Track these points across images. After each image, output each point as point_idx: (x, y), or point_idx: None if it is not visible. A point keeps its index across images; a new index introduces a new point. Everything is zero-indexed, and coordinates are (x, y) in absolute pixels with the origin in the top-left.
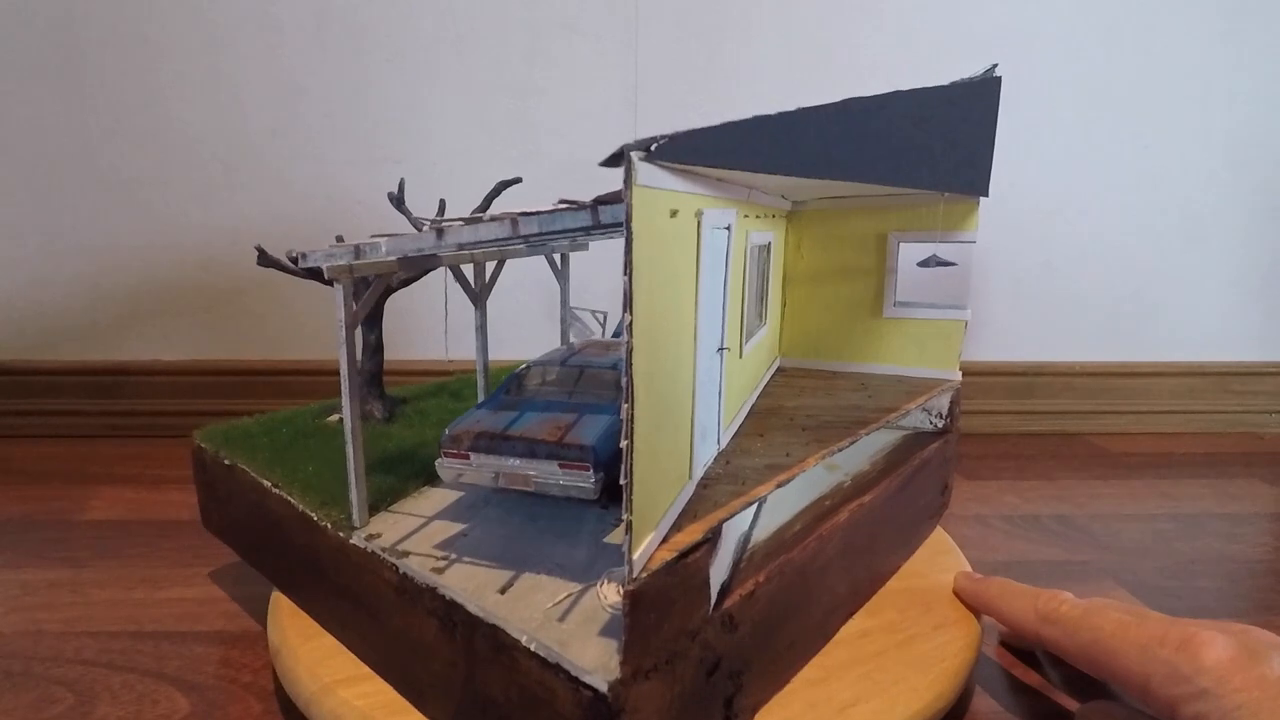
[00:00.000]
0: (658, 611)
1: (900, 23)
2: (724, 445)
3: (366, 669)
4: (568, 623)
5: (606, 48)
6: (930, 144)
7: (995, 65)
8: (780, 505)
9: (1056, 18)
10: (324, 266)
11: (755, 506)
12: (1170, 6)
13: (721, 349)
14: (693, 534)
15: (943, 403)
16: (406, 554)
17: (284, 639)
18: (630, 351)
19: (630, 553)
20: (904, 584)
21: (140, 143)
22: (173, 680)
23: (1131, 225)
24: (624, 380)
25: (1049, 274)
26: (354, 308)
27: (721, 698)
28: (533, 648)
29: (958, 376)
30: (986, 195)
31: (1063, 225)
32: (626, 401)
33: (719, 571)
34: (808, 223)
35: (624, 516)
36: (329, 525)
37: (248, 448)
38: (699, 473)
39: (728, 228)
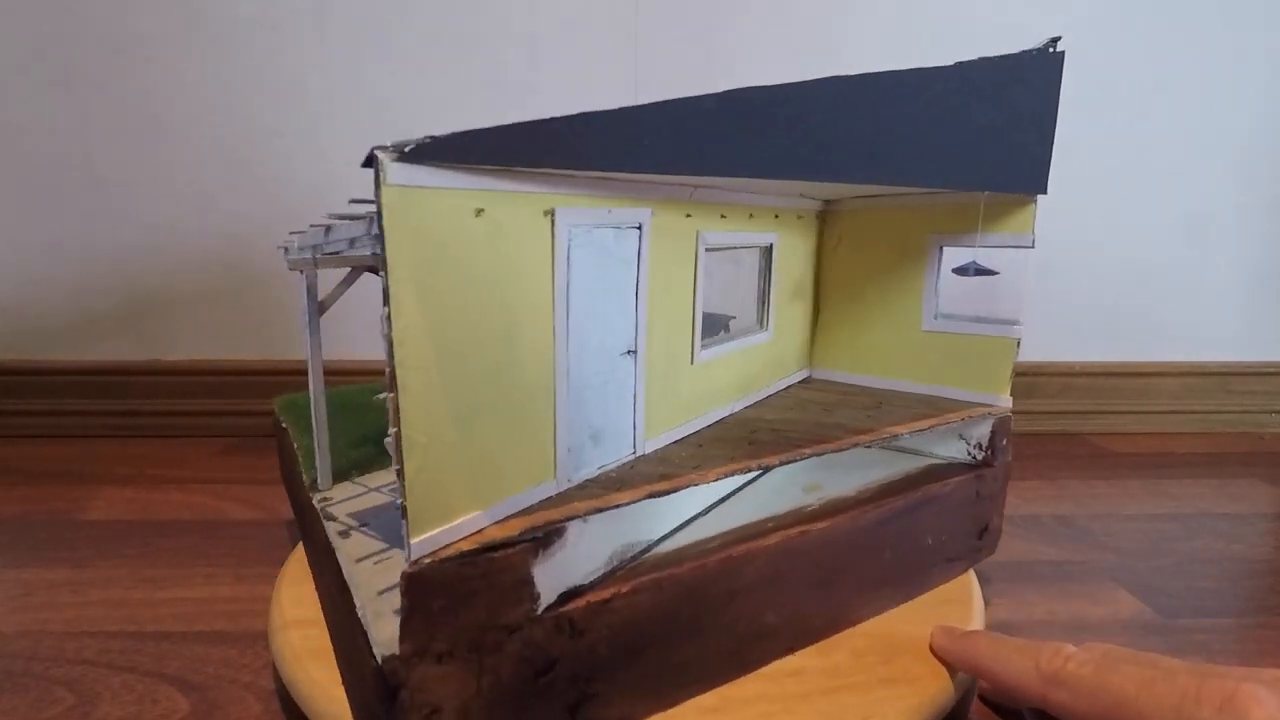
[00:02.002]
0: (447, 599)
1: (901, 22)
2: (646, 450)
3: (320, 614)
4: None
5: (606, 48)
6: (949, 133)
7: (1058, 39)
8: (722, 519)
9: (1056, 17)
10: (286, 260)
11: (690, 514)
12: (1171, 6)
13: (631, 352)
14: (508, 529)
15: (981, 431)
16: (333, 517)
17: (280, 580)
18: (391, 344)
19: (408, 538)
20: (883, 629)
21: (140, 143)
22: (173, 680)
23: (1132, 225)
24: (387, 370)
25: (1049, 274)
26: (318, 298)
27: (562, 703)
28: (359, 614)
29: (1006, 402)
30: (1044, 192)
31: (1063, 225)
32: (390, 391)
33: (561, 573)
34: (844, 223)
35: (399, 502)
36: (307, 484)
37: (301, 415)
38: (578, 473)
39: (638, 227)
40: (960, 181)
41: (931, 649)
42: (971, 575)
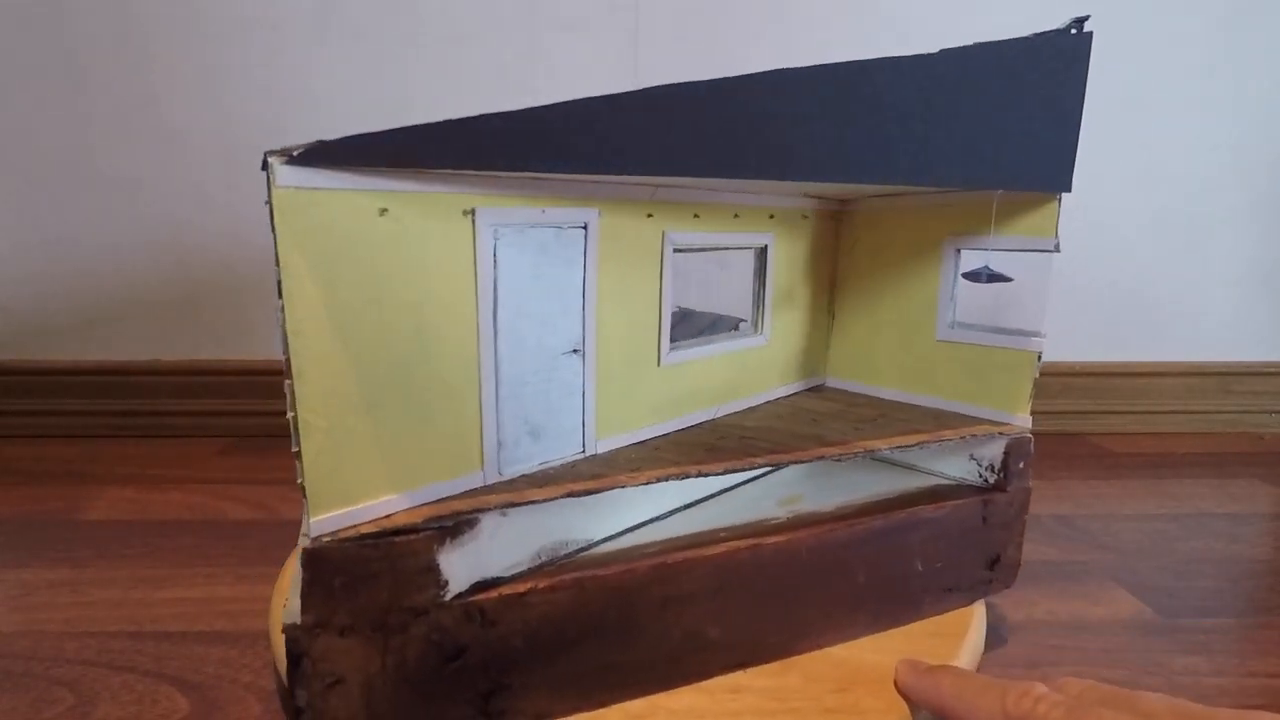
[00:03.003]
0: (347, 576)
1: (901, 23)
2: (598, 451)
3: None
4: None
5: (606, 48)
6: (950, 126)
7: (1085, 18)
8: (677, 525)
9: (1056, 16)
10: None
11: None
12: (1171, 5)
13: (576, 351)
14: (414, 516)
15: (993, 452)
16: None
17: (280, 580)
18: (285, 334)
19: (307, 516)
20: (850, 656)
21: (140, 142)
22: (173, 680)
23: (1132, 225)
24: (284, 358)
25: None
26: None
27: (473, 690)
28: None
29: (1024, 422)
30: (1068, 190)
31: (1062, 225)
32: (288, 378)
33: (475, 563)
34: (859, 225)
35: (299, 481)
36: None
37: None
38: (512, 468)
39: (583, 227)
40: (962, 179)
41: (895, 684)
42: (978, 609)
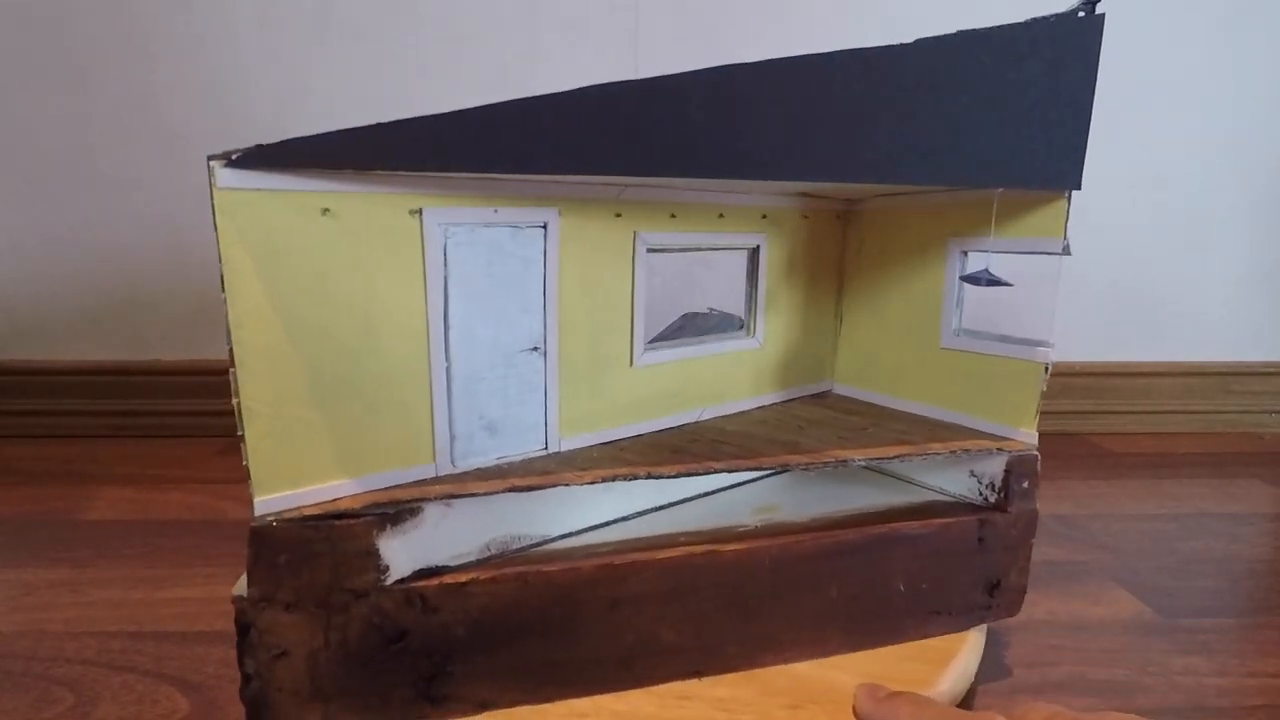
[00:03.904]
0: (291, 555)
1: (901, 24)
2: (562, 448)
3: None
4: None
5: (606, 48)
6: (939, 118)
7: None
8: (641, 527)
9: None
10: None
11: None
12: (1171, 5)
13: (536, 349)
14: (358, 502)
15: (992, 469)
16: None
17: None
18: (229, 326)
19: (253, 496)
20: (814, 673)
21: (139, 142)
22: (173, 680)
23: (1132, 225)
24: (228, 347)
25: None
26: None
27: (415, 673)
28: None
29: (1029, 438)
30: (1077, 187)
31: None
32: (231, 366)
33: (419, 550)
34: (865, 226)
35: (244, 463)
36: None
37: None
38: (467, 461)
39: (542, 226)
40: (948, 177)
41: (854, 710)
42: (973, 636)
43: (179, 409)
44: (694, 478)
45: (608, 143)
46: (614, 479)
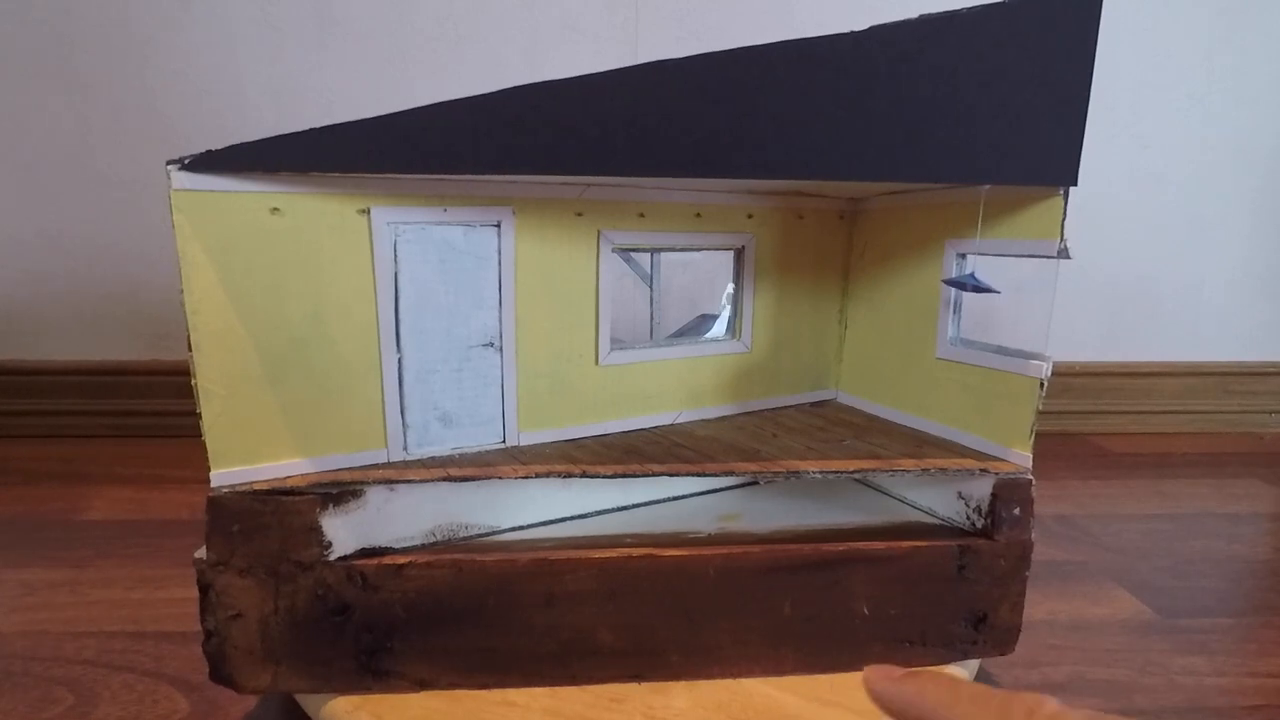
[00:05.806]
0: (243, 525)
1: None
2: (521, 442)
3: None
4: None
5: (606, 48)
6: (915, 109)
7: None
8: (592, 526)
9: None
10: None
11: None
12: (1171, 5)
13: (492, 344)
14: (303, 480)
15: (980, 491)
16: None
17: None
18: (186, 314)
19: (209, 469)
20: (760, 690)
21: (139, 142)
22: (173, 680)
23: (1132, 225)
24: (186, 334)
25: None
26: None
27: (357, 646)
28: None
29: (1022, 459)
30: (1073, 184)
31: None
32: (189, 350)
33: (362, 530)
34: (870, 226)
35: (203, 439)
36: None
37: None
38: (421, 449)
39: (496, 225)
40: (932, 172)
41: (867, 686)
42: (953, 671)
43: (179, 409)
44: (658, 481)
45: (540, 143)
46: (549, 475)
